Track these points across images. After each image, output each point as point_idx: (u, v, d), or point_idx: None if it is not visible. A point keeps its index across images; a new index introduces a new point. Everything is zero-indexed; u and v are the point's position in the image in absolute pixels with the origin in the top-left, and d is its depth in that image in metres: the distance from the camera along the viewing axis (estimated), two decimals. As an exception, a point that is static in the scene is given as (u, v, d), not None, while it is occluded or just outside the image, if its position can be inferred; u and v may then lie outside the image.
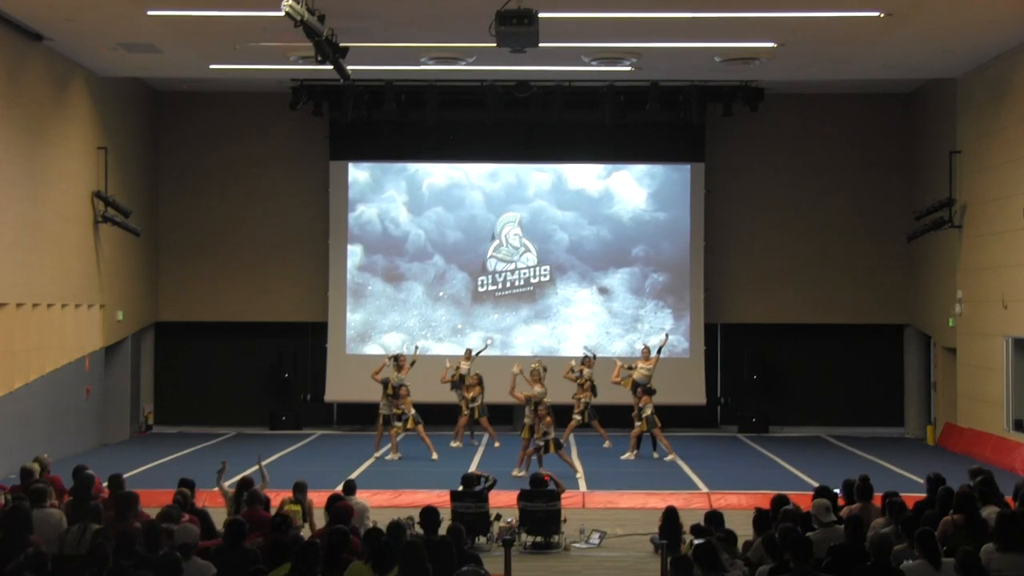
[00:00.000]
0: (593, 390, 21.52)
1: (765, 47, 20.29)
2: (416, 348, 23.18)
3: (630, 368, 21.71)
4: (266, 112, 26.41)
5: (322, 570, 8.61)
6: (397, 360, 21.31)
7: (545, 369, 20.89)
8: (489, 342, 24.01)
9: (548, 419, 18.66)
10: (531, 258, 26.33)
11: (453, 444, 22.35)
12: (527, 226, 26.31)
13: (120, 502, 10.88)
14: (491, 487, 14.30)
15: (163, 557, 8.52)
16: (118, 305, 24.18)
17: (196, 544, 9.02)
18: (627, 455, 21.17)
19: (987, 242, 21.77)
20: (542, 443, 18.62)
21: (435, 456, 20.66)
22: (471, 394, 22.09)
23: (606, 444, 22.01)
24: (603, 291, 26.24)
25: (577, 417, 21.54)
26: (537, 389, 20.12)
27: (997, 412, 21.10)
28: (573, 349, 25.76)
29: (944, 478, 12.00)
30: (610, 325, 26.24)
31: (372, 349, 26.07)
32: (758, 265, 26.59)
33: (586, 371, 21.81)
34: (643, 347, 22.29)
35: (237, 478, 13.20)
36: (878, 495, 11.61)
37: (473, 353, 22.70)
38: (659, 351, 21.84)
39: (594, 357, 22.20)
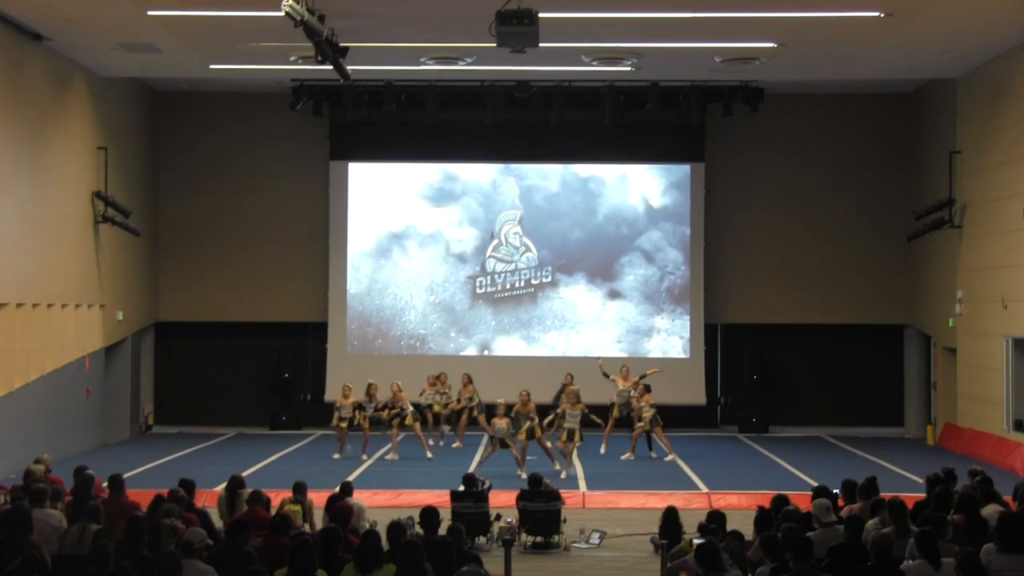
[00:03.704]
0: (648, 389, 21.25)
1: (765, 47, 20.29)
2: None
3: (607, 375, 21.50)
4: (266, 112, 26.41)
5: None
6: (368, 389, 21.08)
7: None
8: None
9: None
10: (532, 258, 26.33)
11: (455, 444, 22.35)
12: (527, 227, 26.30)
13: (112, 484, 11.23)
14: (488, 490, 14.25)
15: (163, 557, 8.52)
16: (118, 305, 24.18)
17: (201, 545, 9.00)
18: (627, 455, 21.16)
19: (987, 242, 21.77)
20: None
21: (430, 455, 20.72)
22: (467, 393, 22.20)
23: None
24: (613, 295, 26.26)
25: (640, 425, 21.10)
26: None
27: (997, 412, 21.09)
28: (573, 350, 25.85)
29: (942, 477, 12.01)
30: (610, 325, 26.23)
31: (371, 349, 26.08)
32: (758, 265, 26.58)
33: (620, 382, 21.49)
34: (623, 367, 21.92)
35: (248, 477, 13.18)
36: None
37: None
38: (642, 378, 21.36)
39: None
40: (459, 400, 22.47)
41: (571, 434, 18.88)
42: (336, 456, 20.94)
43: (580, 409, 19.08)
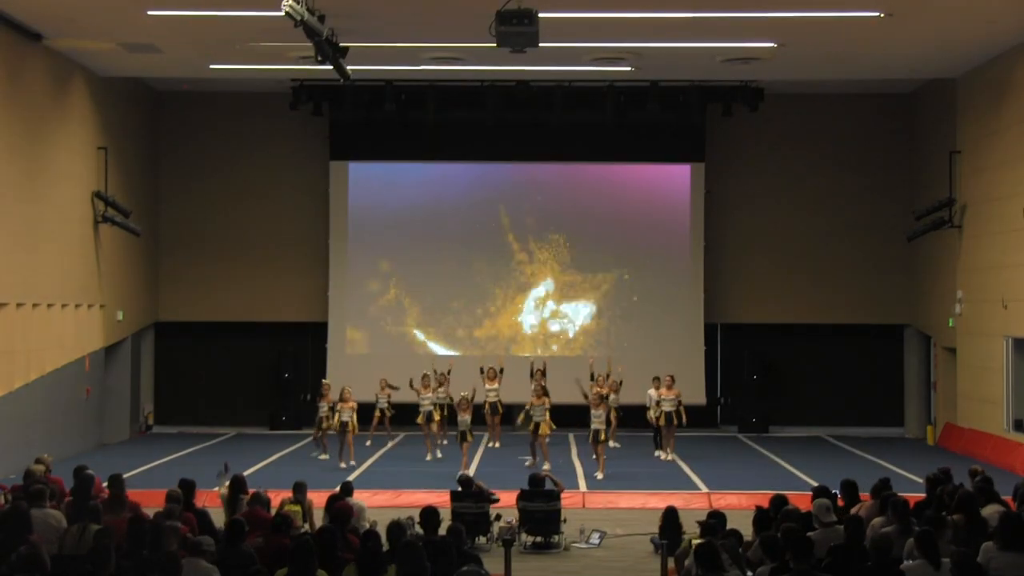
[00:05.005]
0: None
1: (765, 47, 20.29)
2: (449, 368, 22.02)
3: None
4: (266, 112, 26.40)
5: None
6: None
7: (502, 370, 21.72)
8: (451, 364, 22.53)
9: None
10: (532, 258, 26.32)
11: (494, 445, 22.43)
12: (526, 227, 26.29)
13: (112, 493, 11.15)
14: (493, 502, 14.18)
15: (163, 557, 8.53)
16: (118, 305, 24.18)
17: (208, 549, 9.00)
18: (661, 452, 21.45)
19: (987, 242, 21.77)
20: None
21: (430, 457, 20.99)
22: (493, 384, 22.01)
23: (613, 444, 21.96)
24: (612, 294, 26.27)
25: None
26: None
27: (997, 412, 21.09)
28: (574, 349, 25.84)
29: (942, 477, 12.01)
30: (610, 325, 26.24)
31: (371, 349, 26.06)
32: (758, 265, 26.58)
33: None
34: (599, 375, 21.59)
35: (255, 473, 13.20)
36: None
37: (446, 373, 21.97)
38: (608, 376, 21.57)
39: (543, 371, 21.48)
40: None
41: (596, 435, 18.89)
42: (323, 456, 20.88)
43: (603, 409, 19.18)
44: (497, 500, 14.19)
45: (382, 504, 16.03)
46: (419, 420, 21.16)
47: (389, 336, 26.30)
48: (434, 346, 26.09)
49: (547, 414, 19.74)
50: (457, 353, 25.54)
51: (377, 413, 21.95)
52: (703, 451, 22.42)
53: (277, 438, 24.32)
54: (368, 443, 22.05)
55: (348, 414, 20.24)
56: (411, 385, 21.24)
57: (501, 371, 21.82)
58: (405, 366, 23.07)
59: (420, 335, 26.28)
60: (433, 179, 26.42)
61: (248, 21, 18.34)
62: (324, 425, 20.85)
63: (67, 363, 21.58)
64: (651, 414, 21.48)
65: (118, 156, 23.79)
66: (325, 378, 22.76)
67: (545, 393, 20.11)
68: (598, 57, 21.30)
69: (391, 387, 21.96)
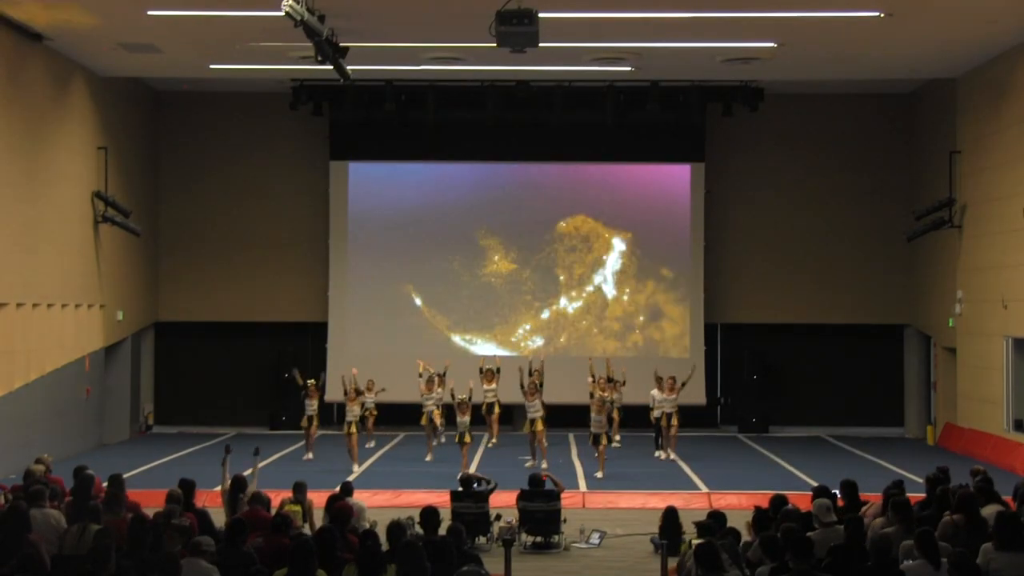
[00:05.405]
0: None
1: (765, 47, 20.30)
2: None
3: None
4: (266, 112, 26.41)
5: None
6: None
7: (499, 369, 21.73)
8: (447, 364, 22.24)
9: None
10: (532, 257, 26.32)
11: (490, 444, 22.41)
12: (526, 226, 26.30)
13: (111, 489, 11.21)
14: (492, 491, 14.26)
15: (162, 557, 8.53)
16: (118, 305, 24.18)
17: (209, 550, 9.00)
18: (660, 452, 21.47)
19: (987, 242, 21.77)
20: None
21: (430, 457, 20.92)
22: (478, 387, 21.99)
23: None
24: (613, 294, 26.28)
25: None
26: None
27: (997, 412, 21.10)
28: (574, 349, 25.84)
29: (940, 477, 12.01)
30: (610, 325, 26.24)
31: (372, 349, 26.06)
32: (758, 265, 26.58)
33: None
34: (600, 377, 21.51)
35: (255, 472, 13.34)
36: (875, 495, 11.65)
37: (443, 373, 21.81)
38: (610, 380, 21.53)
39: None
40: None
41: (596, 438, 18.92)
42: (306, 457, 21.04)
43: (605, 412, 19.23)
44: (495, 487, 14.24)
45: (382, 504, 16.04)
46: (423, 421, 21.30)
47: (389, 336, 26.27)
48: (434, 346, 26.05)
49: (543, 410, 19.86)
50: (460, 348, 25.54)
51: (365, 413, 21.96)
52: (703, 451, 22.43)
53: (277, 438, 24.31)
54: (367, 445, 22.07)
55: (352, 415, 20.17)
56: (419, 373, 21.44)
57: (498, 371, 21.81)
58: (405, 367, 23.07)
59: (419, 336, 26.24)
60: (433, 179, 26.42)
61: (248, 21, 18.35)
62: (313, 426, 20.87)
63: (67, 363, 21.58)
64: (654, 414, 21.53)
65: (118, 156, 23.80)
66: (317, 379, 22.54)
67: (538, 390, 20.14)
68: (598, 57, 21.30)
69: (371, 391, 21.92)
